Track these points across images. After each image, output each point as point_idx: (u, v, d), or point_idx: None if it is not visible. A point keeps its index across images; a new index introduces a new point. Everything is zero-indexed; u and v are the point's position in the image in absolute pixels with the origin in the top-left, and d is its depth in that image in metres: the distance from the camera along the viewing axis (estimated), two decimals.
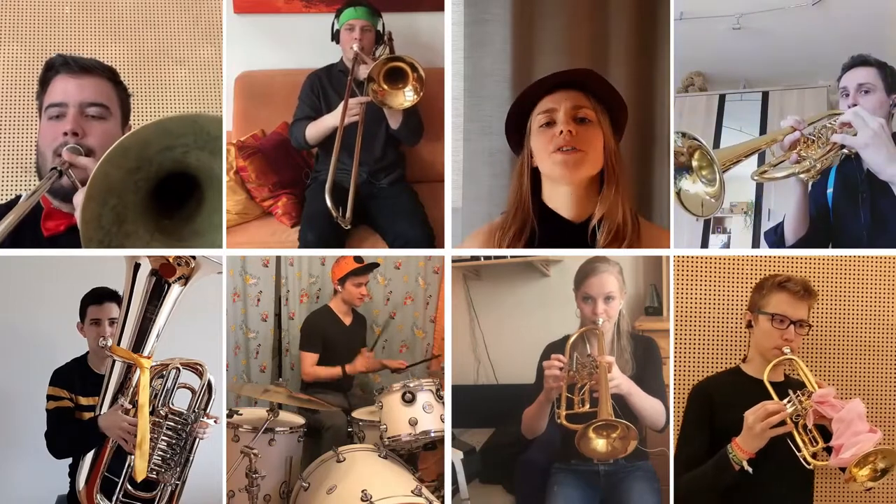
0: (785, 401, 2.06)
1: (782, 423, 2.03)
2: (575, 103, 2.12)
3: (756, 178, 2.48)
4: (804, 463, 2.03)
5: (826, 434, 2.06)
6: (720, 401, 2.21)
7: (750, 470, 2.05)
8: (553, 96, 2.14)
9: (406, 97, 2.74)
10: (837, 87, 2.59)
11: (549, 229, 2.15)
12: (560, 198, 2.15)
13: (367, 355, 3.42)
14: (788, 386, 2.13)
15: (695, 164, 2.32)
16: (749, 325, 2.30)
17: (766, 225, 2.88)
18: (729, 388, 2.26)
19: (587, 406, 2.22)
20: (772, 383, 2.15)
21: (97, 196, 1.89)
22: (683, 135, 2.35)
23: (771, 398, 2.10)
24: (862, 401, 2.05)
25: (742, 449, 2.05)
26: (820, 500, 2.48)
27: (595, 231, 2.12)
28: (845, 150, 2.41)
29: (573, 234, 2.14)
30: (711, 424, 2.20)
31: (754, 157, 2.51)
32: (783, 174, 2.43)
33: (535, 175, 2.17)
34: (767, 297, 2.24)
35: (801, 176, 2.41)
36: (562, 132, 2.09)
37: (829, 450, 2.04)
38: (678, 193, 2.36)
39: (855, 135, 2.36)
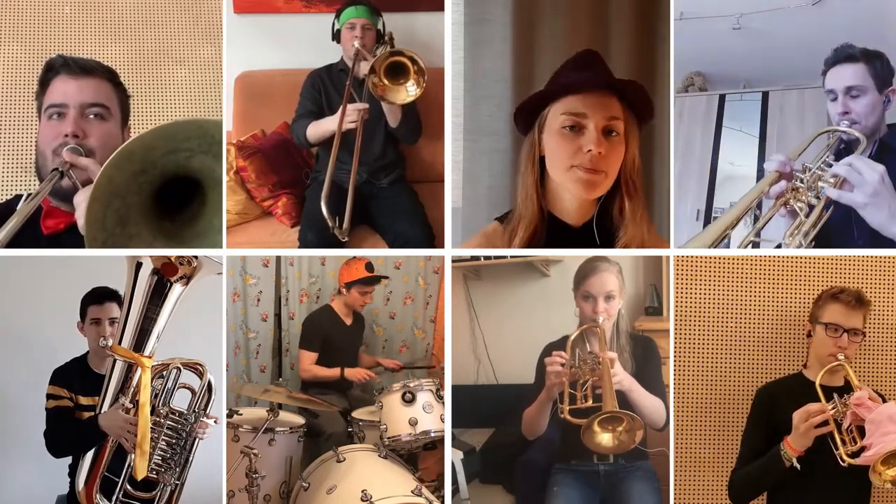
0: (829, 403, 2.16)
1: (826, 423, 2.12)
2: (607, 112, 1.97)
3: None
4: (840, 461, 2.11)
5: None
6: (782, 402, 2.29)
7: (798, 467, 2.14)
8: (584, 97, 1.98)
9: (409, 91, 2.72)
10: (823, 86, 2.42)
11: (548, 230, 2.10)
12: (564, 205, 2.09)
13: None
14: (847, 391, 2.19)
15: None
16: (809, 335, 2.38)
17: (767, 226, 2.87)
18: (790, 391, 2.33)
19: (590, 402, 2.23)
20: (833, 388, 2.22)
21: (101, 198, 1.90)
22: None
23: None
24: None
25: (792, 447, 2.15)
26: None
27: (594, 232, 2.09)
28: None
29: (573, 238, 2.11)
30: (772, 424, 2.28)
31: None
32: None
33: (542, 165, 2.05)
34: (823, 307, 2.32)
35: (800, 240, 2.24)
36: (590, 151, 1.94)
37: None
38: None
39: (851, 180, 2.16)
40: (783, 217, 2.27)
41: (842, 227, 2.35)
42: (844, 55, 2.38)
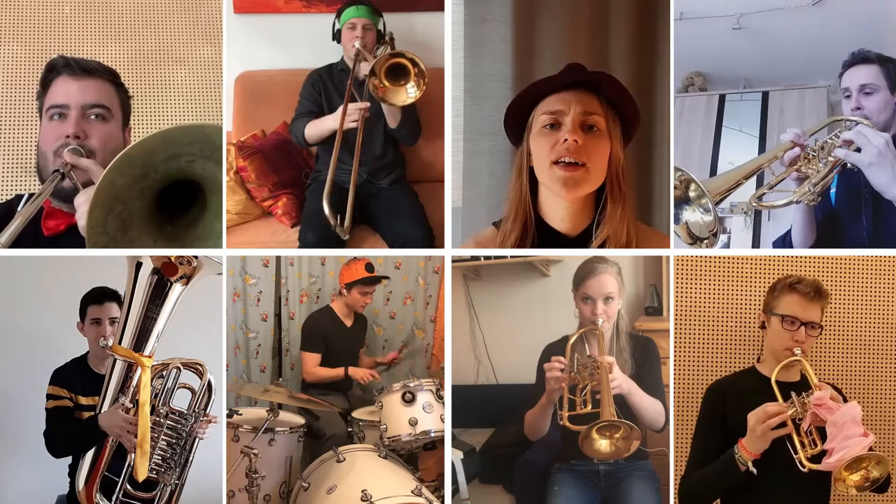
0: (787, 403, 2.05)
1: (784, 424, 2.02)
2: (585, 108, 1.98)
3: (755, 204, 2.40)
4: (800, 466, 2.02)
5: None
6: (733, 400, 2.20)
7: (754, 471, 2.04)
8: (562, 95, 2.00)
9: (409, 93, 2.73)
10: (839, 85, 2.54)
11: (543, 239, 2.08)
12: (555, 211, 2.05)
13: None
14: (803, 386, 2.11)
15: (692, 194, 2.25)
16: (762, 326, 2.29)
17: (767, 225, 2.88)
18: (742, 387, 2.25)
19: (589, 407, 2.22)
20: (787, 383, 2.14)
21: (103, 202, 1.91)
22: (676, 169, 2.29)
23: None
24: (860, 402, 2.03)
25: (747, 450, 2.05)
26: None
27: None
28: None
29: (567, 247, 2.08)
30: (725, 424, 2.19)
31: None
32: (783, 202, 2.37)
33: (532, 174, 2.05)
34: (779, 298, 2.23)
35: (802, 201, 2.35)
36: (566, 140, 1.94)
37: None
38: (686, 225, 2.28)
39: (859, 150, 2.30)
40: (793, 181, 2.40)
41: (850, 215, 2.48)
42: (861, 57, 2.50)
